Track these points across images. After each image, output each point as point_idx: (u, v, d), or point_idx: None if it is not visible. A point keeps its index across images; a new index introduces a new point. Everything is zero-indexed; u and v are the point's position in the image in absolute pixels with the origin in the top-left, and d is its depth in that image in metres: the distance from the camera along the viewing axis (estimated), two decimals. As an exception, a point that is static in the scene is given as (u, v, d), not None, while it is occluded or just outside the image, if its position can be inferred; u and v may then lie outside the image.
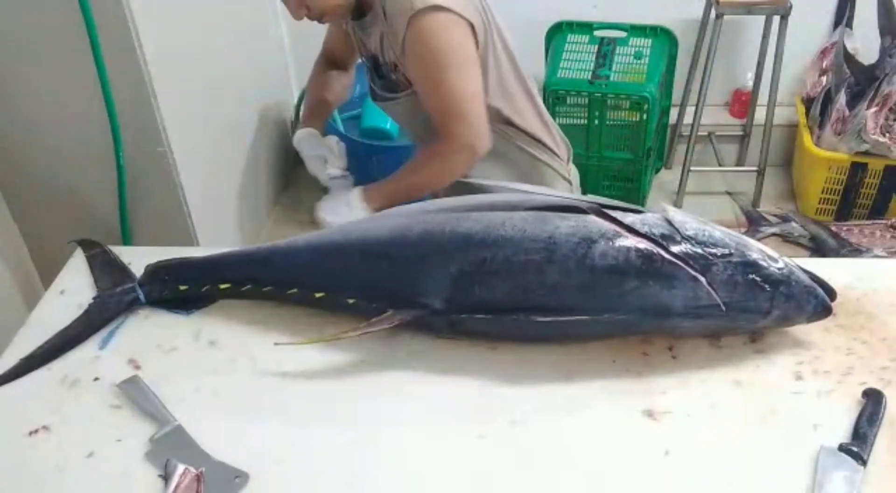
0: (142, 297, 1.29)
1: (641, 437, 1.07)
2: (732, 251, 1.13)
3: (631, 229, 1.13)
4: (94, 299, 1.30)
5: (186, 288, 1.29)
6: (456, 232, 1.17)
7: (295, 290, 1.24)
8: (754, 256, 1.13)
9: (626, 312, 1.13)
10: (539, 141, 1.61)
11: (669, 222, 1.15)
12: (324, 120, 1.77)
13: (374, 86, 1.60)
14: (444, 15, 1.34)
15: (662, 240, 1.12)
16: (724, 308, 1.11)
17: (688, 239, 1.13)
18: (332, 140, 1.69)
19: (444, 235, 1.17)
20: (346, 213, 1.48)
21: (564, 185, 1.69)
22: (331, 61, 1.77)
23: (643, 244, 1.12)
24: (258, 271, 1.27)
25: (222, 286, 1.28)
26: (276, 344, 1.19)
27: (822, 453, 1.02)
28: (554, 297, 1.13)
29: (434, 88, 1.40)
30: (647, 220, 1.15)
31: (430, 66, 1.38)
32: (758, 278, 1.12)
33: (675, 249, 1.12)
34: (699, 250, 1.12)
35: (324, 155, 1.65)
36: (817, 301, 1.14)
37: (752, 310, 1.13)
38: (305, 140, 1.68)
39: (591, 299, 1.13)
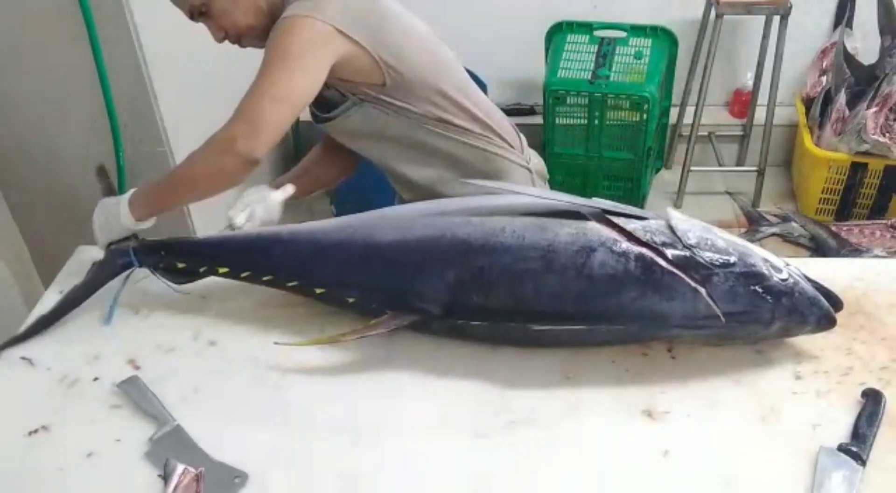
0: (135, 262, 1.29)
1: (641, 437, 1.07)
2: (735, 261, 1.11)
3: (632, 236, 1.12)
4: (94, 263, 1.33)
5: (184, 266, 1.29)
6: (456, 237, 1.17)
7: (295, 282, 1.24)
8: (758, 266, 1.11)
9: (624, 322, 1.13)
10: (481, 133, 1.51)
11: (672, 230, 1.13)
12: (302, 188, 1.66)
13: (314, 110, 1.51)
14: (301, 19, 1.29)
15: (663, 248, 1.11)
16: (723, 320, 1.10)
17: (689, 248, 1.11)
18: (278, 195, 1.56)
19: (444, 240, 1.17)
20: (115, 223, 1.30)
21: (524, 172, 1.57)
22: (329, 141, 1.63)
23: (643, 253, 1.10)
24: (259, 260, 1.26)
25: (221, 270, 1.27)
26: (275, 343, 1.20)
27: (822, 453, 1.02)
28: (551, 306, 1.13)
29: (253, 82, 1.31)
30: (650, 227, 1.14)
31: (263, 61, 1.32)
32: (760, 290, 1.10)
33: (675, 258, 1.10)
34: (701, 260, 1.10)
35: (253, 206, 1.49)
36: (821, 314, 1.13)
37: (752, 321, 1.13)
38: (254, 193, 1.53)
39: (589, 309, 1.12)
